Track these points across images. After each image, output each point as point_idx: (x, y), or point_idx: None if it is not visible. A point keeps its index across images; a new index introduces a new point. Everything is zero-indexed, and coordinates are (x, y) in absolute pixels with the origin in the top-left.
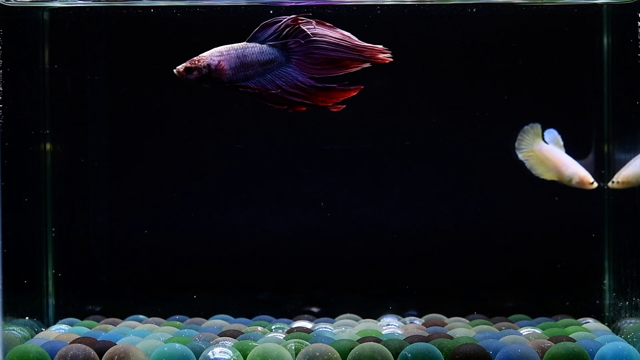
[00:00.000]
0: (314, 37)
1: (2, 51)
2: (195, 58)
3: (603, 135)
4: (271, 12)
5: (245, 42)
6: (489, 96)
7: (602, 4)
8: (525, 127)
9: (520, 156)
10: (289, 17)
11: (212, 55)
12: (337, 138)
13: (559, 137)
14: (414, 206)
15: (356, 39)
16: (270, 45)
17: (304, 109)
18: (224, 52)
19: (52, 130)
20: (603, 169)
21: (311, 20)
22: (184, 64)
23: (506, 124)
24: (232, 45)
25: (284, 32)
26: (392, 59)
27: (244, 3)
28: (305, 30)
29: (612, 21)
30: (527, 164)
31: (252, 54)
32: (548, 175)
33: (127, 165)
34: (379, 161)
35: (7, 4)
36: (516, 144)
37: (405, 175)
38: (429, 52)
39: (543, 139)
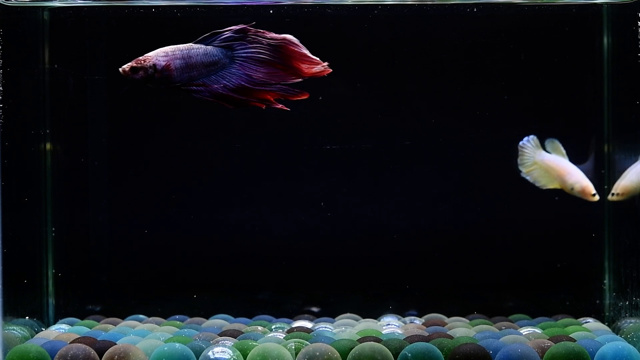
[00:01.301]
0: (258, 41)
1: (2, 51)
2: (141, 58)
3: (603, 135)
4: (271, 11)
5: (190, 44)
6: (489, 96)
7: (602, 4)
8: (522, 141)
9: (523, 171)
10: (238, 25)
11: (157, 56)
12: (337, 138)
13: (560, 146)
14: (414, 206)
15: (303, 48)
16: (215, 47)
17: (251, 104)
18: (170, 53)
19: (52, 130)
20: (603, 168)
21: (259, 29)
22: (129, 64)
23: (506, 124)
24: (178, 46)
25: (231, 38)
26: (330, 70)
27: (245, 3)
28: (251, 33)
29: (612, 21)
30: (531, 178)
31: (197, 55)
32: (552, 185)
33: (127, 165)
34: (379, 161)
35: (7, 3)
36: (518, 160)
37: (405, 175)
38: (429, 52)
39: (544, 149)
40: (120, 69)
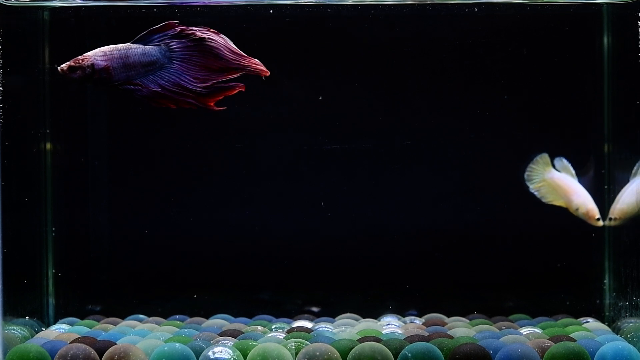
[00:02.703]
0: (196, 42)
1: (2, 51)
2: (79, 57)
3: (603, 135)
4: (271, 11)
5: (129, 43)
6: (489, 96)
7: (602, 4)
8: (534, 157)
9: (532, 187)
10: (176, 26)
11: (95, 55)
12: (337, 138)
13: (569, 165)
14: (414, 206)
15: (237, 49)
16: (152, 46)
17: (188, 106)
18: (108, 53)
19: (52, 130)
20: (603, 168)
21: (195, 28)
22: (67, 63)
23: (506, 124)
24: (116, 45)
25: (168, 36)
26: (268, 73)
27: (245, 3)
28: (189, 33)
29: (612, 21)
30: (539, 194)
31: (135, 54)
32: (558, 203)
33: (127, 165)
34: (379, 161)
35: (7, 3)
36: (526, 176)
37: (405, 175)
38: (429, 52)
39: (554, 167)
40: (58, 68)
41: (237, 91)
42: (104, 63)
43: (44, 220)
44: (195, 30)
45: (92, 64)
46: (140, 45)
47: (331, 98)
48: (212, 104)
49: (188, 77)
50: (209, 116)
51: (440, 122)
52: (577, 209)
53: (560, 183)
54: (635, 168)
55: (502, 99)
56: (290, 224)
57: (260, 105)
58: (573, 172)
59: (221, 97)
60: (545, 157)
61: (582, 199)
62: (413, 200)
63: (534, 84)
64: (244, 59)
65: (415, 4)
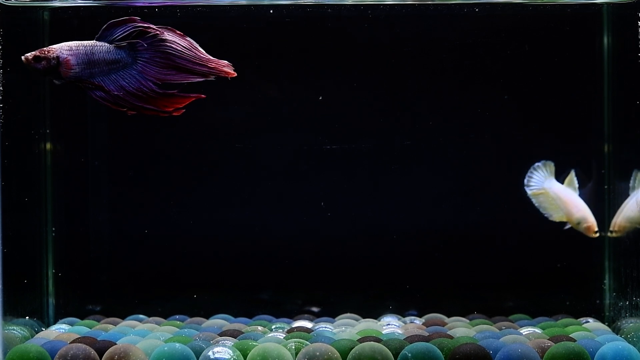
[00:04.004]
0: (161, 41)
1: (2, 51)
2: (45, 48)
3: (603, 135)
4: (271, 11)
5: (94, 41)
6: (489, 96)
7: (602, 4)
8: (537, 164)
9: (529, 193)
10: (138, 21)
11: (61, 49)
12: (337, 138)
13: (575, 179)
14: (414, 206)
15: (202, 50)
16: (117, 46)
17: (145, 112)
18: (73, 48)
19: (52, 130)
20: (603, 168)
21: (161, 27)
22: (33, 52)
23: (507, 124)
24: (82, 42)
25: (132, 35)
26: (235, 74)
27: (246, 3)
28: (153, 32)
29: (612, 21)
30: (535, 202)
31: (100, 52)
32: (556, 216)
33: (127, 164)
34: (379, 161)
35: (7, 3)
36: (525, 181)
37: (405, 175)
38: (429, 52)
39: (557, 177)
40: (22, 57)
41: (194, 98)
42: (69, 57)
43: (44, 220)
44: (157, 29)
45: (57, 57)
46: (106, 44)
47: (331, 98)
48: (170, 109)
49: (151, 78)
50: (208, 116)
51: (440, 122)
52: (578, 223)
53: (560, 195)
54: (631, 181)
55: (502, 99)
56: (290, 224)
57: (261, 105)
58: (576, 186)
59: (180, 102)
60: (549, 165)
61: (582, 213)
62: (413, 201)
63: (534, 83)
64: (210, 63)
65: (415, 4)
